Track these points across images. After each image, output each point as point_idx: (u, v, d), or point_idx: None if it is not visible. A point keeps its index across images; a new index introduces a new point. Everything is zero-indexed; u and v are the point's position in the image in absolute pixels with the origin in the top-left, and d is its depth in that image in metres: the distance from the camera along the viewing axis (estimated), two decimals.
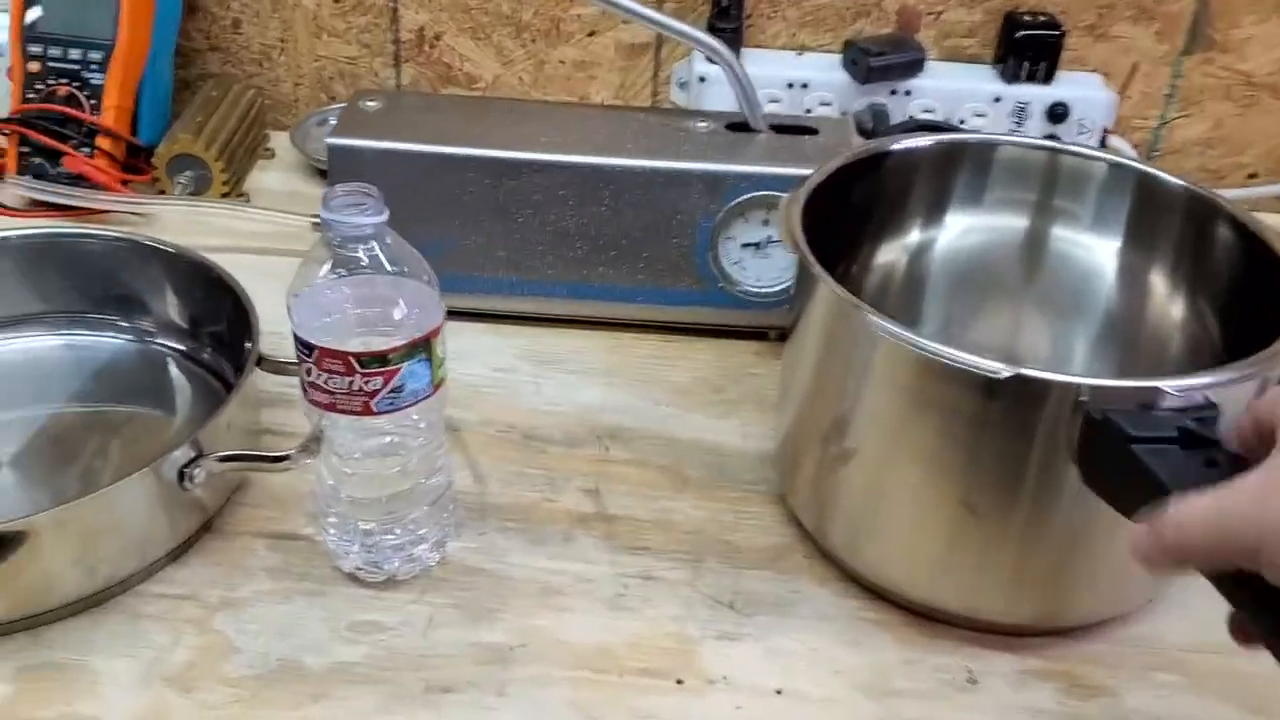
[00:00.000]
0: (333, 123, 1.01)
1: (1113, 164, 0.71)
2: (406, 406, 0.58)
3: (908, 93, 0.98)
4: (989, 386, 0.53)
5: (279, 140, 1.04)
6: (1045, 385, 0.53)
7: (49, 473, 0.68)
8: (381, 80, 1.06)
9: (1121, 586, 0.61)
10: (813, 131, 0.83)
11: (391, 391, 0.57)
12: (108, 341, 0.76)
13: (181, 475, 0.61)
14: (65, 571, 0.59)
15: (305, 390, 0.58)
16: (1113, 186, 0.70)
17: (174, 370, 0.75)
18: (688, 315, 0.82)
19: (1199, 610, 0.63)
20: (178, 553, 0.64)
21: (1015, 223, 0.74)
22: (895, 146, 0.71)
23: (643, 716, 0.58)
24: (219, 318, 0.73)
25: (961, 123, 0.98)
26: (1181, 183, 0.68)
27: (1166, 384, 0.51)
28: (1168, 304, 0.69)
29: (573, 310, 0.83)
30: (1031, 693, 0.59)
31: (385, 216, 0.55)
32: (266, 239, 0.88)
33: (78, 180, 0.90)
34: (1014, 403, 0.54)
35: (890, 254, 0.74)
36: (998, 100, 0.97)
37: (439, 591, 0.63)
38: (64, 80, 0.91)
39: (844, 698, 0.59)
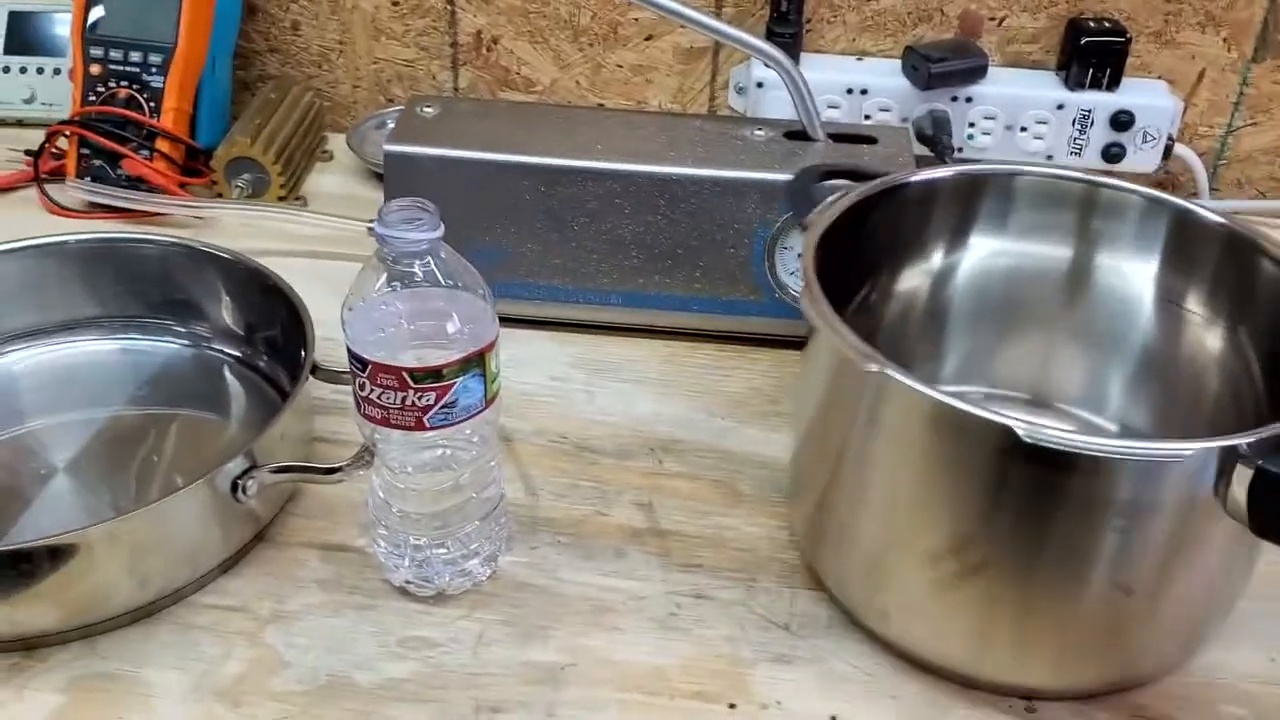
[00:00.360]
0: (390, 126, 1.01)
1: (1149, 198, 0.67)
2: (459, 422, 0.57)
3: (969, 99, 0.96)
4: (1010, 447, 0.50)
5: (337, 142, 1.04)
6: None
7: (105, 477, 0.69)
8: (439, 83, 1.05)
9: (1182, 641, 0.59)
10: (871, 140, 0.82)
11: (444, 407, 0.57)
12: (163, 346, 0.77)
13: (235, 487, 0.61)
14: (118, 582, 0.59)
15: (358, 405, 0.58)
16: (1149, 219, 0.67)
17: (229, 376, 0.76)
18: (744, 325, 0.81)
19: (1268, 640, 0.61)
20: (230, 563, 0.64)
21: (1044, 249, 0.70)
22: (915, 178, 0.68)
23: None
24: (274, 324, 0.73)
25: (1024, 130, 0.96)
26: (1219, 219, 0.64)
27: None
28: (1204, 336, 0.66)
29: (627, 318, 0.82)
30: None
31: (440, 232, 0.55)
32: (323, 243, 0.88)
33: (137, 183, 0.90)
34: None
35: (912, 280, 0.71)
36: (1060, 108, 0.95)
37: (489, 608, 0.63)
38: (124, 83, 0.91)
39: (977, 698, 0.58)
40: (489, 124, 0.82)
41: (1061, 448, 0.49)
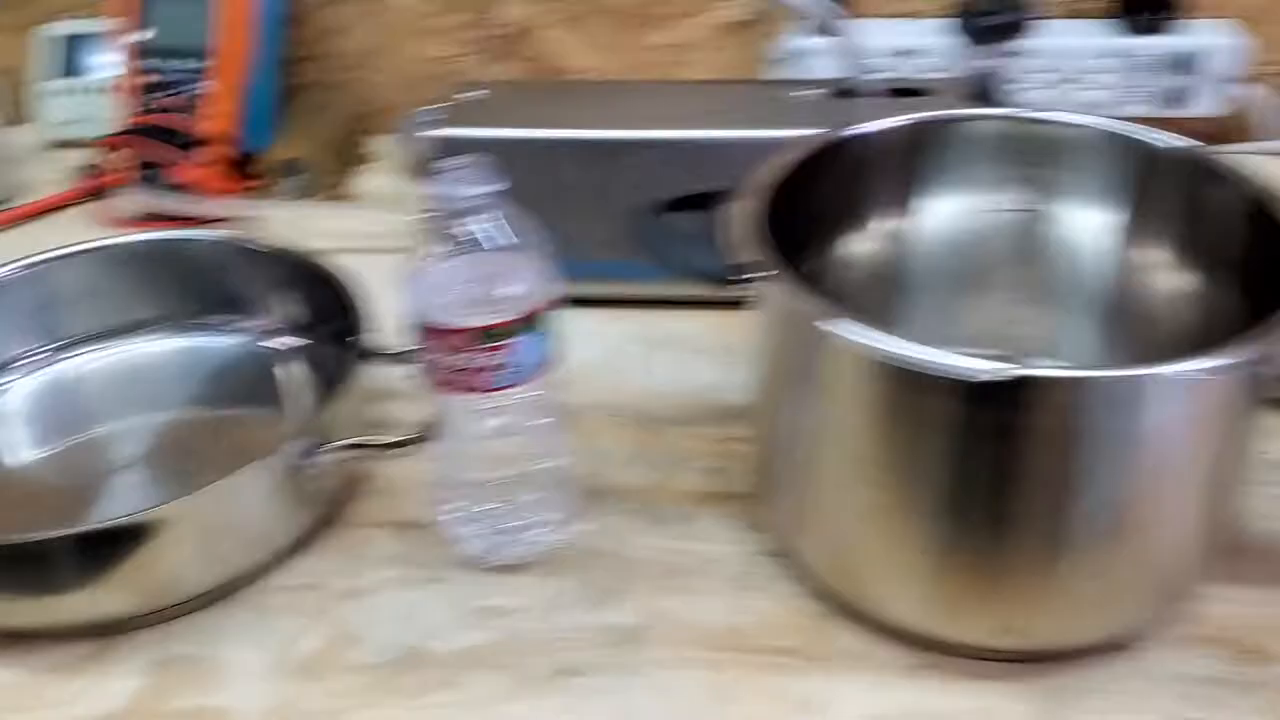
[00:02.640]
0: (434, 123, 1.02)
1: (1104, 131, 0.63)
2: (522, 383, 0.57)
3: (1022, 54, 0.94)
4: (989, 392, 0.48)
5: (380, 144, 1.04)
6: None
7: (171, 474, 0.69)
8: (478, 78, 1.05)
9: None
10: (922, 93, 0.80)
11: (507, 368, 0.56)
12: (220, 343, 0.77)
13: (301, 464, 0.60)
14: (192, 563, 0.59)
15: (421, 371, 0.57)
16: (1106, 154, 0.63)
17: (285, 369, 0.75)
18: None
19: None
20: (300, 544, 0.64)
21: (997, 203, 0.66)
22: (852, 133, 0.64)
23: (779, 697, 0.55)
24: (327, 315, 0.73)
25: (1078, 81, 0.94)
26: (1182, 144, 0.61)
27: None
28: (1174, 277, 0.63)
29: (680, 291, 0.81)
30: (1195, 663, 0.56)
31: (496, 186, 0.54)
32: (374, 238, 0.87)
33: (188, 189, 0.91)
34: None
35: (861, 245, 0.67)
36: (1116, 56, 0.93)
37: (560, 574, 0.62)
38: (172, 92, 0.92)
39: (985, 670, 0.56)
40: (534, 104, 0.82)
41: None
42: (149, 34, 0.93)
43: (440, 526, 0.64)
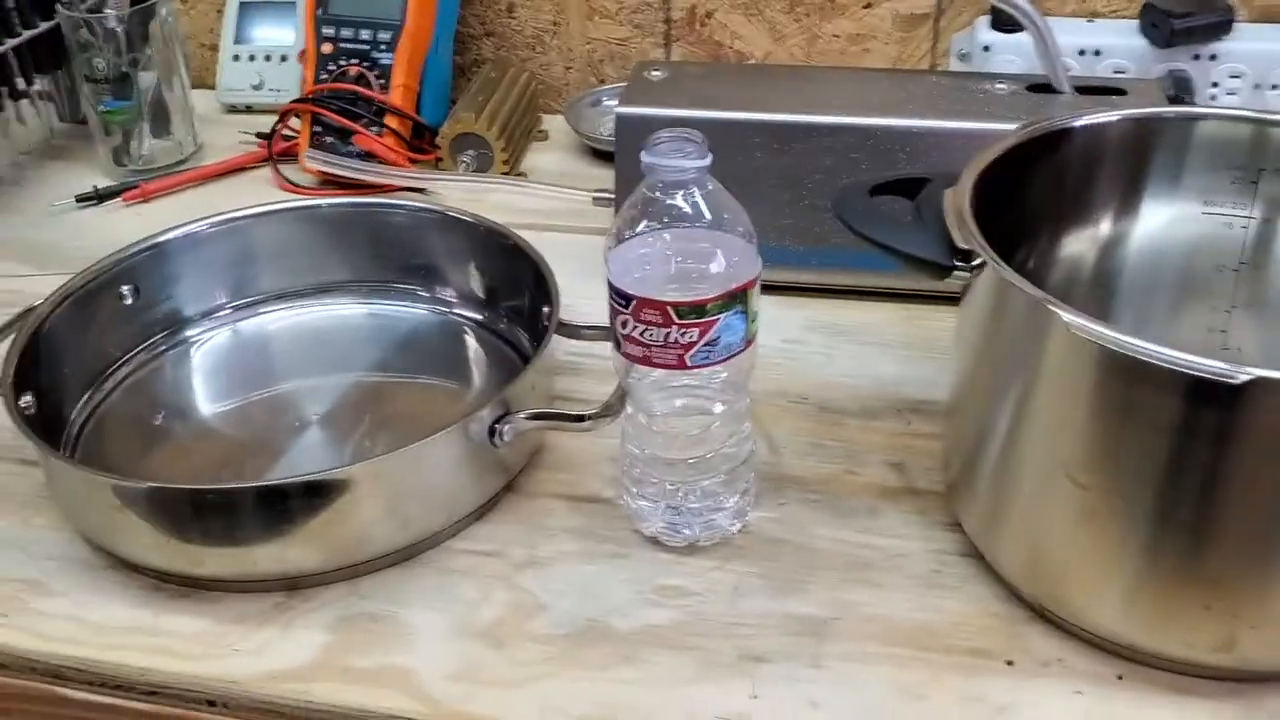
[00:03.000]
0: (607, 103, 1.02)
1: None
2: (720, 361, 0.56)
3: (1213, 57, 0.90)
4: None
5: (550, 123, 1.05)
6: None
7: (352, 433, 0.69)
8: (652, 61, 1.05)
9: None
10: (1120, 92, 0.78)
11: (706, 345, 0.55)
12: (408, 311, 0.78)
13: (491, 432, 0.60)
14: (380, 523, 0.59)
15: (618, 343, 0.57)
16: None
17: (470, 340, 0.76)
18: None
19: None
20: (482, 511, 0.64)
21: (1225, 211, 0.63)
22: (1078, 123, 0.62)
23: (970, 699, 0.54)
24: (516, 287, 0.73)
25: (1275, 88, 0.90)
26: None
27: None
28: None
29: (863, 281, 0.79)
30: None
31: (708, 161, 0.54)
32: (546, 216, 0.88)
33: (367, 158, 0.92)
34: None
35: (1076, 246, 0.65)
36: None
37: (742, 560, 0.61)
38: (354, 60, 0.93)
39: (1191, 686, 0.53)
40: (717, 85, 0.81)
41: None
42: (331, 4, 0.94)
43: (621, 503, 0.63)
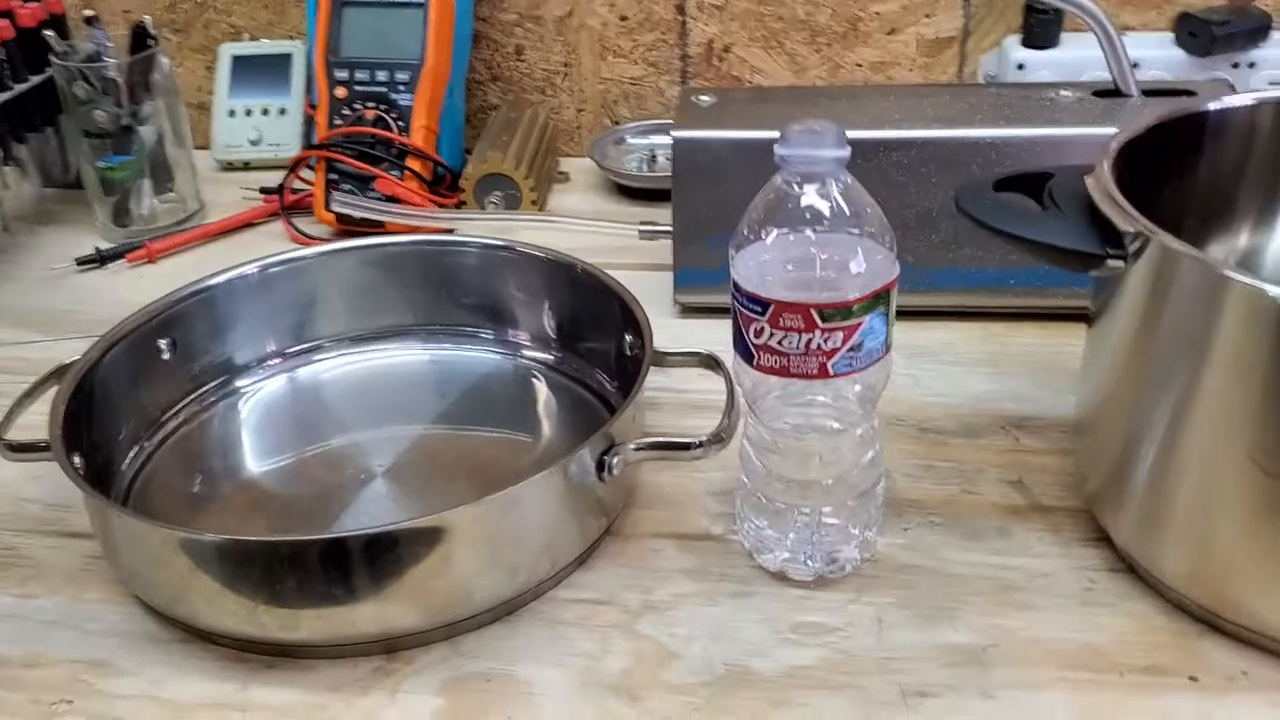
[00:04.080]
0: (631, 140, 0.98)
1: None
2: (864, 368, 0.52)
3: (1251, 65, 0.89)
4: None
5: (568, 165, 1.01)
6: None
7: (422, 486, 0.63)
8: (667, 100, 1.02)
9: None
10: (1190, 93, 0.76)
11: (851, 350, 0.51)
12: (474, 355, 0.72)
13: (600, 466, 0.55)
14: (481, 575, 0.53)
15: (751, 355, 0.52)
16: None
17: (541, 385, 0.70)
18: (1072, 299, 0.74)
19: None
20: (584, 557, 0.58)
21: None
22: (1213, 106, 0.59)
23: (1161, 718, 0.49)
24: (593, 323, 0.69)
25: None
26: None
27: None
28: None
29: (934, 301, 0.76)
30: None
31: (846, 152, 0.50)
32: (590, 253, 0.82)
33: (392, 200, 0.87)
34: None
35: (1214, 227, 0.62)
36: None
37: (877, 590, 0.56)
38: (371, 104, 0.89)
39: None
40: (771, 107, 0.78)
41: None
42: (344, 41, 0.89)
43: (735, 538, 0.58)
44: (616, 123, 1.03)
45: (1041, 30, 0.92)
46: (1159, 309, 0.51)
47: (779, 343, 0.51)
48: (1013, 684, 0.51)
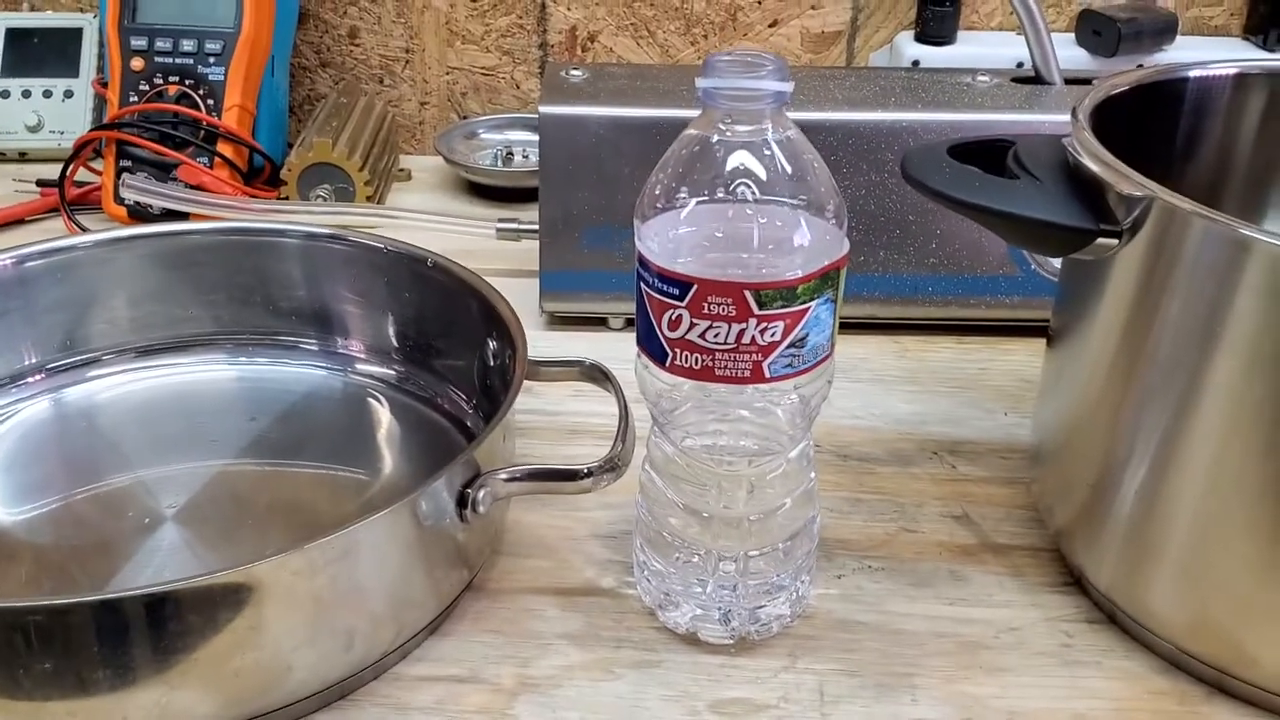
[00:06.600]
0: (483, 135, 0.87)
1: None
2: (807, 369, 0.41)
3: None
4: None
5: (410, 162, 0.88)
6: None
7: (229, 536, 0.49)
8: (524, 93, 0.90)
9: None
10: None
11: (792, 346, 0.40)
12: (293, 371, 0.59)
13: (462, 500, 0.42)
14: (302, 648, 0.40)
15: (666, 353, 0.40)
16: None
17: (380, 406, 0.57)
18: (993, 310, 0.65)
19: None
20: (439, 621, 0.45)
21: None
22: (1193, 74, 0.51)
23: None
24: (445, 329, 0.56)
25: None
26: None
27: None
28: None
29: (844, 312, 0.65)
30: None
31: (790, 86, 0.39)
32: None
33: (196, 187, 0.72)
34: None
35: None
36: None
37: (815, 654, 0.45)
38: (174, 78, 0.74)
39: None
40: (648, 83, 0.67)
41: None
42: (143, 3, 0.75)
43: (638, 590, 0.46)
44: (465, 118, 0.91)
45: (937, 24, 0.84)
46: (1158, 293, 0.41)
47: (702, 336, 0.39)
48: None
